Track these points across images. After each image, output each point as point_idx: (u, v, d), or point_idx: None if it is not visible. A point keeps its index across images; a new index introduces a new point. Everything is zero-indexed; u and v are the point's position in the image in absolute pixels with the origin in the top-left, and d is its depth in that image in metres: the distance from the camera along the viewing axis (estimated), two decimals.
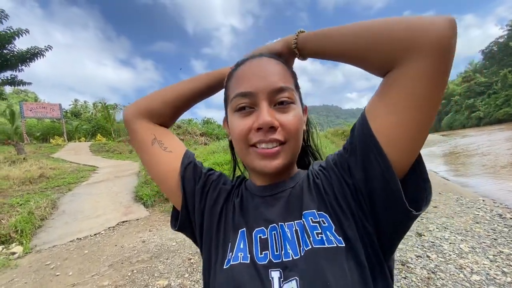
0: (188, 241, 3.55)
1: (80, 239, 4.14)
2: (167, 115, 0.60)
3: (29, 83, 18.52)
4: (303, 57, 0.51)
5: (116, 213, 5.19)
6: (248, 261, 0.44)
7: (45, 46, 16.97)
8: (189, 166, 0.56)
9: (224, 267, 0.46)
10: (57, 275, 2.85)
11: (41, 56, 17.07)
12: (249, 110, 0.47)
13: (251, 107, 0.47)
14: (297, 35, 0.49)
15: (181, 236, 3.80)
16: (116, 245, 3.62)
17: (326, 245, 0.41)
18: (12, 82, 17.34)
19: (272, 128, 0.45)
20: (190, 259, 2.98)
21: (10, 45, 15.70)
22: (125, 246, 3.57)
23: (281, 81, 0.47)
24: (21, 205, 5.15)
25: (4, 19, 15.53)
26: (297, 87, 0.52)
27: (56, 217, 5.02)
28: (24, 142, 13.63)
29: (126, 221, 4.81)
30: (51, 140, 16.71)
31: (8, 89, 21.19)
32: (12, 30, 15.51)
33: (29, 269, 3.17)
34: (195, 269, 2.76)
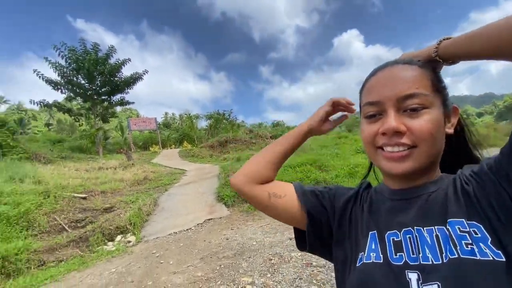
0: (268, 241, 3.63)
1: (176, 233, 4.77)
2: (269, 176, 0.67)
3: (133, 103, 22.67)
4: (447, 61, 0.50)
5: (203, 211, 5.79)
6: (381, 261, 0.45)
7: (143, 71, 20.44)
8: (305, 196, 0.62)
9: (357, 265, 0.48)
10: (161, 262, 3.35)
11: (140, 80, 20.74)
12: (378, 117, 0.50)
13: (380, 114, 0.50)
14: (439, 42, 0.49)
15: (260, 236, 3.94)
16: (204, 241, 4.02)
17: (479, 257, 0.38)
18: (121, 103, 21.66)
19: (398, 133, 0.47)
20: (271, 259, 3.04)
21: (119, 73, 19.80)
22: (212, 242, 3.91)
23: (413, 87, 0.47)
24: (132, 202, 6.33)
25: (113, 53, 19.55)
26: (438, 90, 0.50)
27: (158, 213, 5.95)
28: (131, 151, 16.83)
29: (211, 219, 5.30)
30: (150, 148, 20.09)
31: (118, 108, 26.61)
32: (120, 61, 19.43)
33: (140, 256, 3.84)
34: (276, 270, 2.79)
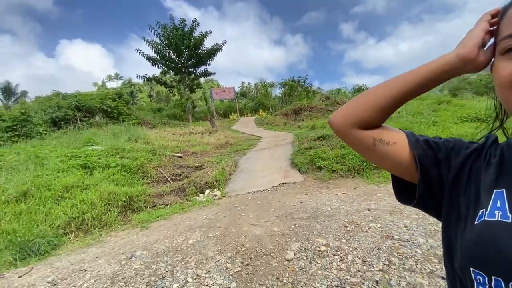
0: (344, 209, 3.56)
1: (254, 192, 5.20)
2: (376, 120, 0.58)
3: (214, 73, 24.29)
4: None
5: (278, 175, 6.06)
6: (510, 221, 0.39)
7: (222, 41, 21.30)
8: (419, 146, 0.54)
9: (475, 222, 0.43)
10: (242, 215, 3.77)
11: (220, 50, 21.80)
12: None
13: None
14: None
15: (335, 204, 3.89)
16: (280, 201, 4.26)
17: None
18: (205, 74, 23.55)
19: None
20: (347, 226, 3.00)
21: (202, 46, 21.33)
22: (287, 203, 4.11)
23: None
24: (217, 163, 7.15)
25: (197, 26, 20.87)
26: None
27: (238, 173, 6.58)
28: (214, 118, 18.60)
29: (285, 183, 5.51)
30: (229, 116, 21.68)
31: (202, 80, 29.13)
32: (202, 34, 20.73)
33: (225, 208, 4.40)
34: (352, 237, 2.75)
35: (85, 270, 2.57)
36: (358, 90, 25.64)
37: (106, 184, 5.00)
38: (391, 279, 2.04)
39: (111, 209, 4.36)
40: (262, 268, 2.31)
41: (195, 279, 2.21)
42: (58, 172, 5.40)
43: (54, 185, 4.74)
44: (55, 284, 2.37)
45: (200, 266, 2.40)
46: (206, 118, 24.18)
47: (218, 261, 2.47)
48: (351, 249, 2.51)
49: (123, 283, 2.23)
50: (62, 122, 11.92)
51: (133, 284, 2.21)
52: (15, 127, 10.79)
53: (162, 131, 13.48)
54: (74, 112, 12.33)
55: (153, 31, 18.93)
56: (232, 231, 3.17)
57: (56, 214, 4.08)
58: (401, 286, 1.97)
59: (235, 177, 6.37)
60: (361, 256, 2.39)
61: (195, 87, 24.38)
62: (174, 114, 25.31)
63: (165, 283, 2.17)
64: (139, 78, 21.07)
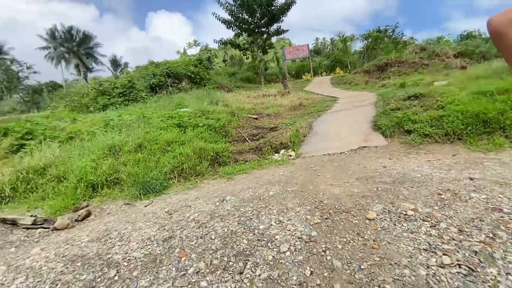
0: (438, 176, 3.18)
1: (330, 154, 5.12)
2: None
3: (287, 30, 23.17)
4: None
5: (357, 138, 5.73)
6: None
7: None
8: None
9: None
10: (319, 175, 3.83)
11: (294, 4, 20.32)
12: None
13: None
14: None
15: (427, 170, 3.49)
16: (359, 165, 4.09)
17: None
18: (278, 32, 22.70)
19: None
20: (440, 194, 2.70)
21: (274, 1, 20.29)
22: (367, 167, 3.92)
23: None
24: (291, 124, 7.22)
25: None
26: None
27: (312, 136, 6.52)
28: (286, 79, 18.28)
29: (366, 146, 5.19)
30: (302, 76, 20.85)
31: (273, 39, 28.26)
32: None
33: (300, 167, 4.53)
34: (446, 205, 2.48)
35: (190, 206, 3.19)
36: (468, 36, 20.22)
37: (197, 141, 5.78)
38: (494, 252, 1.81)
39: (202, 162, 5.10)
40: (342, 223, 2.38)
41: (278, 224, 2.46)
42: (160, 129, 6.52)
43: (159, 140, 5.78)
44: (170, 214, 3.05)
45: (282, 214, 2.65)
46: (278, 80, 23.95)
47: (298, 212, 2.66)
48: (444, 217, 2.29)
49: (219, 219, 2.70)
50: (157, 88, 13.90)
51: (227, 220, 2.64)
52: (125, 93, 13.25)
53: (237, 94, 14.19)
54: (166, 79, 14.13)
55: None
56: (310, 188, 3.29)
57: (163, 163, 5.04)
58: (506, 260, 1.73)
59: (309, 139, 6.35)
60: (457, 225, 2.16)
61: (267, 47, 24.01)
62: (248, 77, 25.92)
63: (252, 224, 2.51)
64: (215, 42, 22.07)
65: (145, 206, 3.55)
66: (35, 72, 38.91)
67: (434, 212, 2.37)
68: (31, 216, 3.69)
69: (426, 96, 6.18)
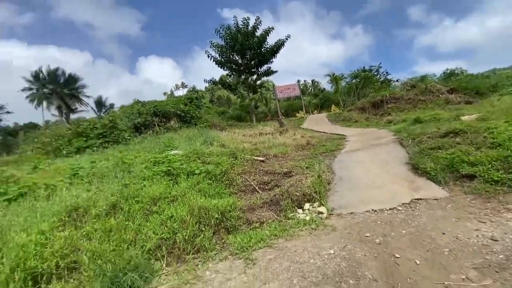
0: None
1: (377, 211, 3.80)
2: None
3: (276, 71, 23.41)
4: None
5: (400, 186, 4.50)
6: None
7: (286, 36, 20.14)
8: None
9: None
10: (397, 258, 2.44)
11: (283, 46, 20.72)
12: None
13: None
14: None
15: None
16: (444, 234, 2.77)
17: None
18: (267, 73, 22.86)
19: None
20: None
21: (264, 43, 20.67)
22: (463, 239, 2.60)
23: None
24: (307, 168, 5.95)
25: (259, 25, 20.24)
26: None
27: (337, 182, 5.24)
28: (280, 117, 17.57)
29: (421, 199, 3.93)
30: (296, 114, 20.33)
31: (263, 78, 28.55)
32: (265, 30, 19.99)
33: (349, 236, 3.14)
34: None
35: None
36: (451, 74, 21.09)
37: (194, 195, 4.30)
38: None
39: (203, 229, 3.57)
40: None
41: None
42: (144, 180, 5.02)
43: (142, 196, 4.26)
44: None
45: None
46: (267, 118, 23.43)
47: None
48: None
49: None
50: (143, 128, 12.56)
51: None
52: (105, 134, 11.76)
53: (232, 132, 13.08)
54: (152, 118, 12.90)
55: (218, 33, 19.08)
56: None
57: (145, 233, 3.48)
58: None
59: (336, 187, 5.05)
60: None
61: (257, 87, 23.95)
62: (238, 115, 25.34)
63: None
64: (206, 82, 21.67)
65: None
66: (8, 112, 36.65)
67: None
68: None
69: (468, 132, 5.23)
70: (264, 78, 26.04)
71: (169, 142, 8.82)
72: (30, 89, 38.37)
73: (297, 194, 4.65)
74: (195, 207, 3.86)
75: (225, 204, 4.09)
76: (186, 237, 3.39)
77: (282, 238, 3.46)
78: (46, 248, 3.19)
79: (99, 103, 46.10)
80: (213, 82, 21.75)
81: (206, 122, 14.52)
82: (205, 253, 3.26)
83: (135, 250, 3.20)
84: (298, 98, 23.51)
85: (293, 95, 21.81)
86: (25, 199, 4.90)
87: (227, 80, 23.41)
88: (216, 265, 3.00)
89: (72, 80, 41.39)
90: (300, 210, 4.38)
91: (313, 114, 21.18)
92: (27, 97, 37.98)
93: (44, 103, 39.19)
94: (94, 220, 3.75)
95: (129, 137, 11.67)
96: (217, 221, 3.78)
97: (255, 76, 22.63)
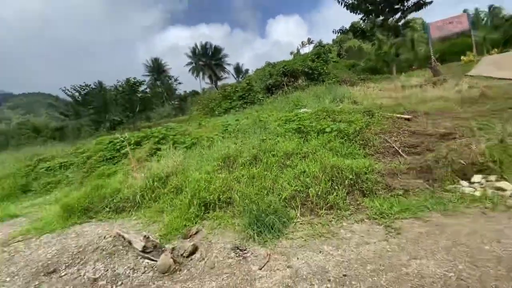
0: None
1: None
2: None
3: (430, 2, 17.80)
4: None
5: None
6: None
7: None
8: None
9: None
10: None
11: None
12: None
13: None
14: None
15: None
16: None
17: None
18: (417, 5, 17.76)
19: None
20: None
21: None
22: None
23: None
24: (480, 129, 4.41)
25: None
26: None
27: None
28: (435, 64, 13.62)
29: None
30: (461, 58, 15.07)
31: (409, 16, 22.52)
32: None
33: None
34: None
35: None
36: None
37: (325, 153, 4.21)
38: None
39: (336, 187, 3.47)
40: None
41: None
42: (277, 136, 5.39)
43: (277, 150, 4.61)
44: None
45: None
46: (412, 68, 18.94)
47: None
48: None
49: None
50: (274, 88, 13.35)
51: None
52: (243, 96, 13.43)
53: (365, 87, 11.59)
54: (281, 78, 13.37)
55: None
56: None
57: (281, 183, 3.79)
58: None
59: None
60: None
61: (400, 28, 19.42)
62: (372, 67, 22.05)
63: None
64: (335, 32, 19.74)
65: (260, 269, 2.30)
66: (179, 83, 48.73)
67: None
68: (145, 236, 3.23)
69: None
70: (410, 17, 20.57)
71: (297, 101, 8.95)
72: (190, 63, 48.78)
73: (462, 162, 3.58)
74: (327, 165, 3.77)
75: (360, 166, 3.75)
76: (319, 193, 3.42)
77: (436, 212, 2.83)
78: (211, 184, 4.13)
79: (237, 70, 52.82)
80: (343, 31, 19.47)
81: (335, 78, 13.53)
82: (338, 211, 3.19)
83: (273, 196, 3.57)
84: (465, 35, 17.10)
85: (458, 30, 15.93)
86: (195, 147, 6.48)
87: (360, 26, 20.28)
88: (351, 226, 2.88)
89: (216, 51, 48.98)
90: (464, 183, 3.40)
91: (490, 55, 15.02)
92: (189, 70, 48.79)
93: (200, 74, 49.15)
94: (241, 167, 4.46)
95: (262, 98, 12.81)
96: (351, 181, 3.55)
97: (398, 15, 18.34)
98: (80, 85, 18.51)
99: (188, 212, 3.79)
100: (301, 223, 3.13)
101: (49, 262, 3.09)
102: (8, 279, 2.84)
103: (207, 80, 49.80)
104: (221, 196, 3.91)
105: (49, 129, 24.12)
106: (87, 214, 4.45)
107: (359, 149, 4.55)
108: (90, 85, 18.86)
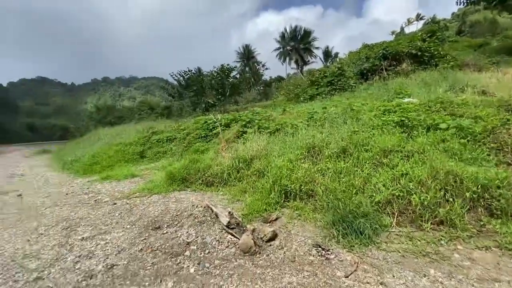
0: None
1: None
2: None
3: None
4: None
5: None
6: None
7: None
8: None
9: None
10: None
11: None
12: None
13: None
14: None
15: None
16: None
17: None
18: None
19: None
20: None
21: None
22: None
23: None
24: None
25: None
26: None
27: None
28: None
29: None
30: None
31: None
32: None
33: None
34: None
35: None
36: None
37: (437, 155, 3.42)
38: None
39: (451, 200, 2.78)
40: None
41: None
42: (372, 128, 4.74)
43: (371, 145, 4.06)
44: None
45: None
46: None
47: None
48: None
49: None
50: (369, 74, 11.88)
51: None
52: (332, 81, 12.51)
53: (499, 74, 8.90)
54: (380, 61, 11.72)
55: None
56: None
57: (374, 184, 3.32)
58: None
59: None
60: None
61: None
62: (510, 47, 16.84)
63: None
64: (458, 3, 15.67)
65: (346, 276, 2.07)
66: (266, 69, 49.68)
67: None
68: (229, 213, 3.46)
69: None
70: None
71: (399, 89, 7.66)
72: (278, 48, 48.87)
73: None
74: (440, 170, 3.05)
75: (491, 176, 2.87)
76: (425, 202, 2.82)
77: None
78: (293, 173, 4.02)
79: (326, 53, 49.80)
80: (471, 2, 15.29)
81: (452, 61, 10.89)
82: (451, 229, 2.56)
83: (363, 197, 3.17)
84: None
85: None
86: (279, 133, 6.47)
87: None
88: (471, 252, 2.25)
89: (305, 34, 47.22)
90: None
91: None
92: (276, 55, 49.07)
93: (287, 59, 48.79)
94: (327, 160, 4.16)
95: (354, 84, 11.62)
96: (474, 195, 2.76)
97: None
98: (184, 70, 21.33)
99: (269, 197, 3.83)
100: (397, 234, 2.67)
101: (156, 219, 3.70)
102: (128, 226, 3.56)
103: (293, 65, 49.08)
104: (303, 187, 3.77)
105: (160, 108, 29.36)
106: (185, 183, 5.12)
107: (489, 155, 3.49)
108: (191, 70, 21.49)
